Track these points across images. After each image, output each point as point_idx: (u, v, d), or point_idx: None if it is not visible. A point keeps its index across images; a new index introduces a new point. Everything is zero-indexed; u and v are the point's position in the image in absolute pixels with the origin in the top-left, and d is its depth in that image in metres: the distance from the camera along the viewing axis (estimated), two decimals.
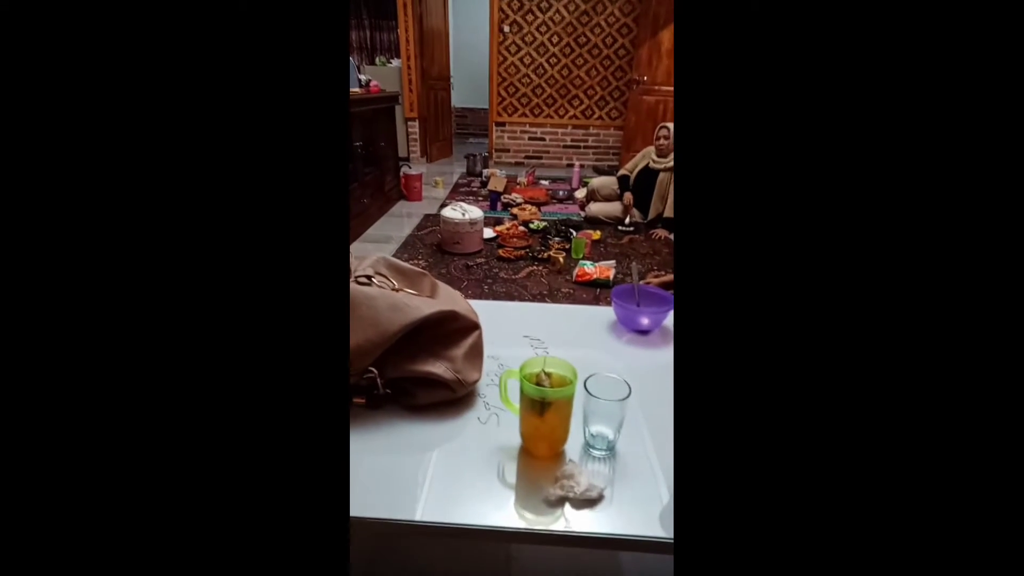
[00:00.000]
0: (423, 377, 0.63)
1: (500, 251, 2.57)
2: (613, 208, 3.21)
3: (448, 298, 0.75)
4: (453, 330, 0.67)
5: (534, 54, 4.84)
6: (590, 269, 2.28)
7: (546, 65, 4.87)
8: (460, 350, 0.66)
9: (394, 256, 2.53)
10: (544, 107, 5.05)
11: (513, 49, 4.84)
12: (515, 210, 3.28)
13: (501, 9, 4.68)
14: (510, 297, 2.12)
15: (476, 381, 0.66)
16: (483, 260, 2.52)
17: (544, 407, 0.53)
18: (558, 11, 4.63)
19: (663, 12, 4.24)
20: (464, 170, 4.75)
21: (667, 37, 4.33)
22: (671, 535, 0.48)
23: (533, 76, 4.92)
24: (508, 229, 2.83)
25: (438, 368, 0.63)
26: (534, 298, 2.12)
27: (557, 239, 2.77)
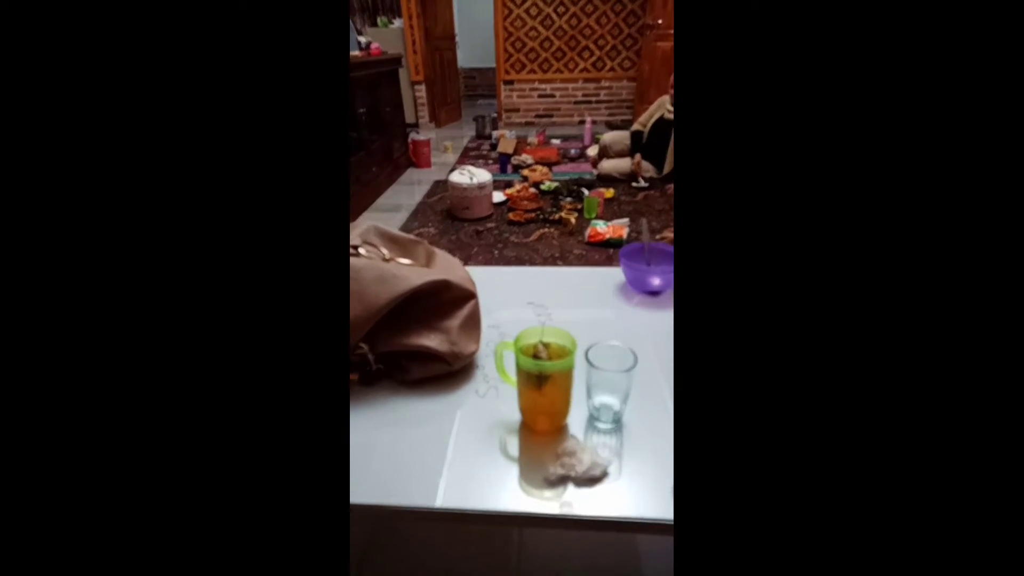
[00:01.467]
0: (416, 351, 0.60)
1: (510, 215, 2.50)
2: (626, 164, 3.08)
3: (444, 266, 0.71)
4: (447, 300, 0.63)
5: (541, 4, 4.57)
6: (602, 229, 2.21)
7: (553, 15, 4.60)
8: (455, 321, 0.62)
9: (403, 226, 2.49)
10: (553, 61, 4.81)
11: (519, 0, 4.57)
12: (525, 172, 3.18)
13: None
14: (520, 262, 2.07)
15: (473, 353, 0.63)
16: (493, 225, 2.46)
17: (542, 380, 0.49)
18: None
19: None
20: (474, 133, 4.62)
21: None
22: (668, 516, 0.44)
23: (540, 28, 4.67)
24: (518, 192, 2.75)
25: (432, 341, 0.59)
26: (545, 261, 2.07)
27: (569, 199, 2.68)
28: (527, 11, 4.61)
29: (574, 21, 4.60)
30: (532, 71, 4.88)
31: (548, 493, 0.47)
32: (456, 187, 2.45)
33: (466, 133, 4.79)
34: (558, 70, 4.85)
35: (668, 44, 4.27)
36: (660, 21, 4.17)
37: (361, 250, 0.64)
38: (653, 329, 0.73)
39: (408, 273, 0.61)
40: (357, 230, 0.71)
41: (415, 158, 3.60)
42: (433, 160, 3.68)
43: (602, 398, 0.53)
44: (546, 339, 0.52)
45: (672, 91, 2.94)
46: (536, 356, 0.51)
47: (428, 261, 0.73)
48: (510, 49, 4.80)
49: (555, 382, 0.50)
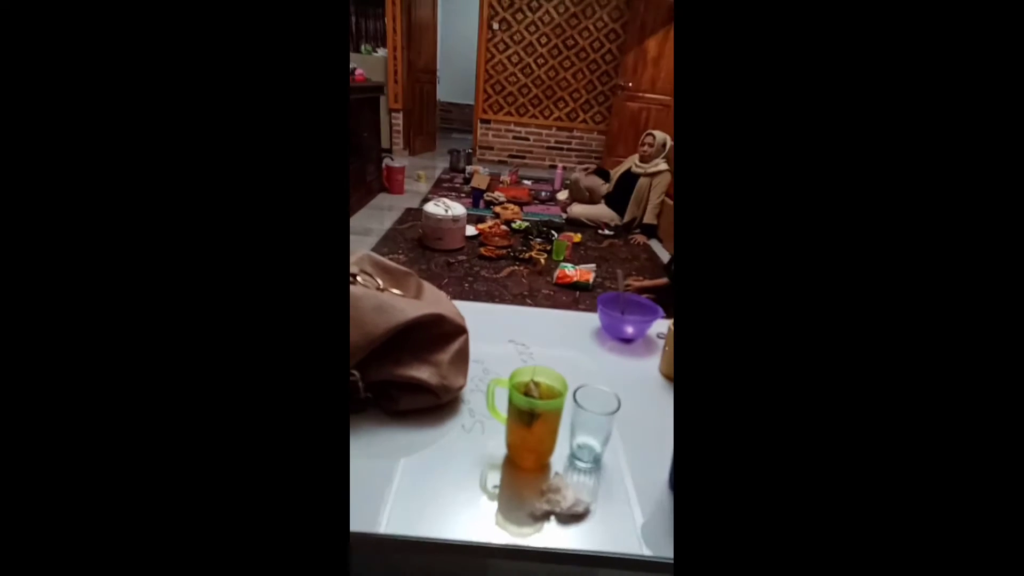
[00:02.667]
0: (407, 382, 0.61)
1: (482, 249, 2.55)
2: (595, 211, 3.24)
3: (434, 299, 0.73)
4: (439, 334, 0.65)
5: (522, 53, 4.82)
6: (571, 272, 2.29)
7: (533, 65, 4.86)
8: (446, 355, 0.64)
9: (374, 250, 2.48)
10: (530, 107, 5.04)
11: (501, 47, 4.81)
12: (498, 209, 3.26)
13: (491, 5, 4.64)
14: (491, 297, 2.11)
15: (461, 387, 0.65)
16: (464, 258, 2.50)
17: (533, 418, 0.52)
18: (548, 12, 4.63)
19: (650, 20, 4.29)
20: (447, 165, 4.70)
21: (653, 45, 4.39)
22: (649, 553, 0.47)
23: (520, 75, 4.91)
24: (490, 228, 2.81)
25: (423, 373, 0.61)
26: (515, 298, 2.11)
27: (539, 240, 2.77)
28: (508, 58, 4.85)
29: (552, 73, 4.88)
30: (509, 113, 5.08)
31: (528, 529, 0.49)
32: (431, 217, 2.49)
33: (439, 164, 4.87)
34: (533, 115, 5.08)
35: (636, 105, 4.59)
36: (630, 84, 4.50)
37: (358, 278, 0.66)
38: (625, 373, 0.78)
39: (403, 305, 0.63)
40: (352, 257, 0.73)
41: (388, 184, 3.62)
42: (406, 187, 3.71)
43: (584, 438, 0.56)
44: (537, 378, 0.56)
45: (640, 150, 3.15)
46: (528, 393, 0.54)
47: (418, 293, 0.75)
48: (489, 91, 5.00)
49: (545, 420, 0.53)
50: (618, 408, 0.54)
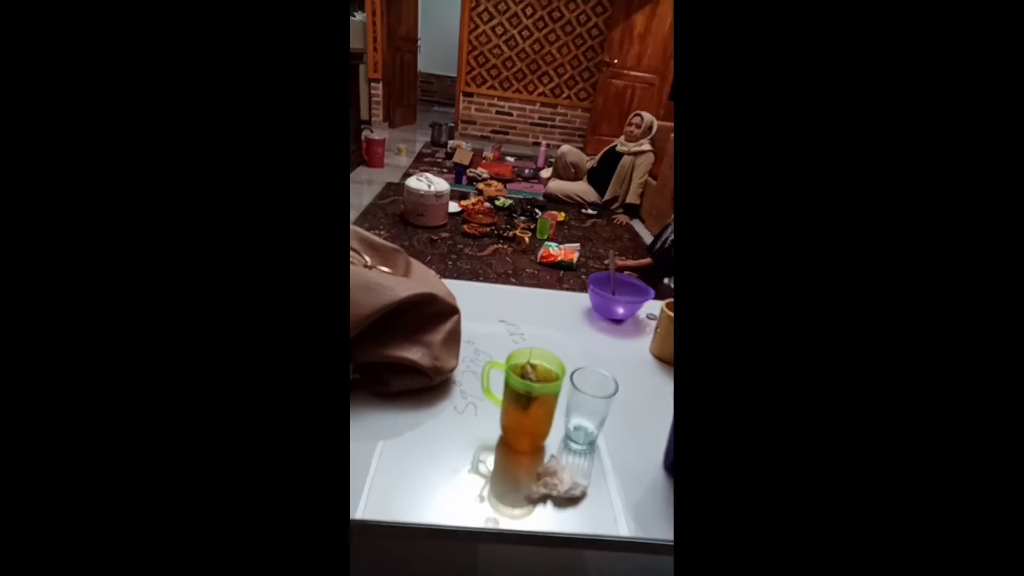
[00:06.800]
0: (397, 363, 0.59)
1: (465, 227, 2.51)
2: (574, 187, 3.22)
3: (423, 278, 0.71)
4: (431, 314, 0.63)
5: (507, 24, 4.67)
6: (555, 251, 2.28)
7: (518, 37, 4.72)
8: (438, 335, 0.62)
9: (353, 225, 2.41)
10: (514, 81, 4.92)
11: (485, 17, 4.65)
12: (481, 185, 3.21)
13: None
14: (475, 275, 2.08)
15: (454, 368, 0.63)
16: (447, 235, 2.45)
17: (529, 401, 0.51)
18: None
19: None
20: (428, 139, 4.58)
21: (640, 20, 4.31)
22: (639, 535, 0.48)
23: (504, 48, 4.77)
24: (474, 204, 2.76)
25: (414, 354, 0.59)
26: (499, 277, 2.09)
27: (523, 218, 2.74)
28: (493, 29, 4.69)
29: (537, 46, 4.75)
30: (492, 87, 4.95)
31: (521, 511, 0.48)
32: (413, 193, 2.42)
33: (419, 137, 4.74)
34: (517, 90, 4.96)
35: (621, 82, 4.54)
36: (615, 61, 4.43)
37: None
38: (616, 353, 0.78)
39: (393, 283, 0.61)
40: None
41: (367, 157, 3.50)
42: (386, 161, 3.61)
43: (580, 420, 0.56)
44: (534, 361, 0.54)
45: (627, 130, 3.12)
46: (524, 375, 0.53)
47: (406, 271, 0.72)
48: (472, 63, 4.85)
49: (541, 403, 0.52)
50: (616, 391, 0.53)
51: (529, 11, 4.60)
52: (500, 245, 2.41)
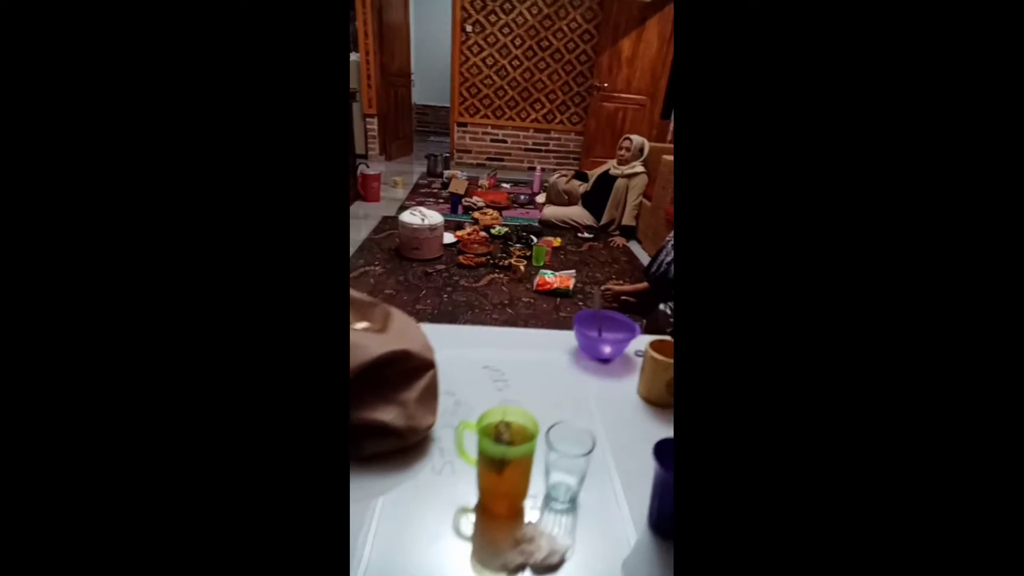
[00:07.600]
0: (370, 425, 0.58)
1: (460, 258, 2.51)
2: (569, 212, 3.23)
3: (402, 329, 0.70)
4: (405, 370, 0.62)
5: (496, 55, 4.78)
6: (551, 278, 2.27)
7: (508, 67, 4.83)
8: (413, 393, 0.61)
9: (350, 261, 2.43)
10: (506, 109, 5.01)
11: (476, 49, 4.77)
12: (476, 214, 3.23)
13: (464, 8, 4.60)
14: (471, 306, 2.07)
15: (430, 426, 0.62)
16: (443, 267, 2.46)
17: (503, 465, 0.49)
18: (521, 13, 4.60)
19: (623, 20, 4.30)
20: (424, 170, 4.65)
21: (627, 45, 4.40)
22: None
23: (495, 77, 4.87)
24: (469, 234, 2.78)
25: (388, 415, 0.58)
26: (495, 307, 2.08)
27: (518, 246, 2.74)
28: (483, 60, 4.81)
29: (528, 75, 4.85)
30: (485, 116, 5.04)
31: None
32: (407, 227, 2.44)
33: (416, 169, 4.81)
34: (510, 118, 5.05)
35: (612, 105, 4.60)
36: (605, 84, 4.51)
37: None
38: (605, 395, 0.76)
39: (367, 342, 0.60)
40: None
41: (364, 191, 3.55)
42: (382, 195, 3.65)
43: (559, 477, 0.54)
44: (508, 419, 0.53)
45: (618, 154, 3.15)
46: (498, 436, 0.51)
47: (384, 324, 0.71)
48: (465, 93, 4.95)
49: (516, 466, 0.50)
50: (592, 448, 0.51)
51: (518, 41, 4.72)
52: (496, 274, 2.40)
